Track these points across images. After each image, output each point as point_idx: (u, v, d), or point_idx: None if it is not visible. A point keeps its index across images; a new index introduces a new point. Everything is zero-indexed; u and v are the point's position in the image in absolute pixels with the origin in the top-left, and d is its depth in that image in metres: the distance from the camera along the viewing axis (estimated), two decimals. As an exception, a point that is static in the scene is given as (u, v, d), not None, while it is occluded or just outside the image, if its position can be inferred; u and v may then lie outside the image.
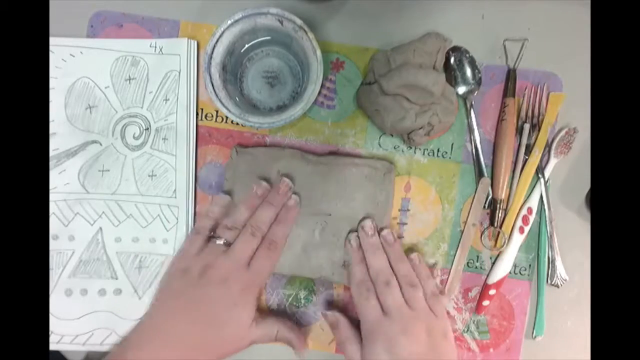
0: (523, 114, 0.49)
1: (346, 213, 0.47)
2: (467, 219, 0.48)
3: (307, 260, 0.46)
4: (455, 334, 0.48)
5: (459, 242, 0.48)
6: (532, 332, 0.48)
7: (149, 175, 0.48)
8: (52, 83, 0.48)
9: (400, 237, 0.49)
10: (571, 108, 0.48)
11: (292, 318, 0.48)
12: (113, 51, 0.48)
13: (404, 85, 0.44)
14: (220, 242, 0.44)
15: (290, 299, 0.49)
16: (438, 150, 0.49)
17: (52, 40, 0.48)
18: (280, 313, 0.48)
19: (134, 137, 0.48)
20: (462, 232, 0.49)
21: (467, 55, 0.48)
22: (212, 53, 0.44)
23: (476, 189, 0.48)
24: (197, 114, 0.49)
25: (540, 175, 0.48)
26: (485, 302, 0.48)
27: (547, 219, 0.48)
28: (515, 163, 0.48)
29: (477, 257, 0.49)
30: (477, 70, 0.48)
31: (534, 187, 0.49)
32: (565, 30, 0.49)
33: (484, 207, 0.48)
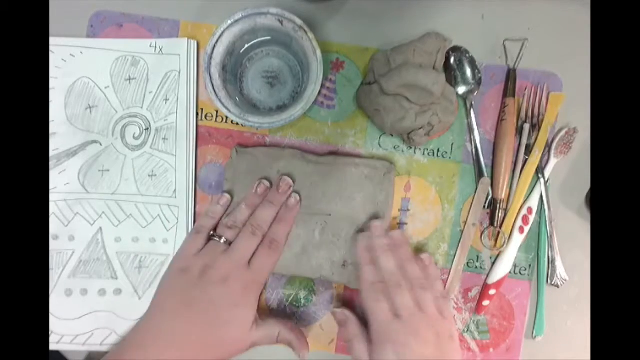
0: (523, 114, 0.49)
1: (346, 213, 0.47)
2: (467, 219, 0.48)
3: (307, 260, 0.46)
4: (455, 334, 0.48)
5: (459, 242, 0.48)
6: (532, 332, 0.48)
7: (149, 175, 0.48)
8: (52, 83, 0.48)
9: (400, 237, 0.49)
10: (571, 108, 0.48)
11: (292, 318, 0.48)
12: (113, 51, 0.48)
13: (404, 85, 0.44)
14: (221, 241, 0.44)
15: (290, 299, 0.49)
16: (438, 150, 0.49)
17: (52, 40, 0.48)
18: (280, 314, 0.48)
19: (134, 137, 0.48)
20: (462, 232, 0.49)
21: (467, 55, 0.48)
22: (212, 53, 0.44)
23: (476, 189, 0.48)
24: (197, 114, 0.49)
25: (540, 175, 0.48)
26: (485, 302, 0.48)
27: (547, 219, 0.48)
28: (515, 163, 0.48)
29: (477, 257, 0.49)
30: (477, 70, 0.48)
31: (534, 187, 0.49)
32: (565, 30, 0.49)
33: (484, 207, 0.49)
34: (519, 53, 0.48)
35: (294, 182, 0.47)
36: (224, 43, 0.44)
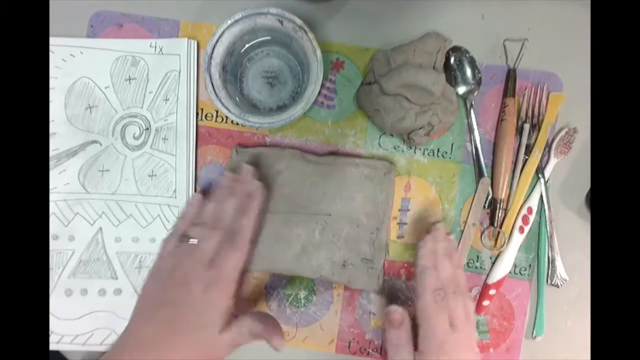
0: (523, 114, 0.49)
1: (346, 213, 0.47)
2: (467, 219, 0.48)
3: (307, 260, 0.46)
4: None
5: (459, 242, 0.48)
6: (532, 332, 0.48)
7: (149, 175, 0.48)
8: (52, 83, 0.48)
9: (400, 237, 0.49)
10: (571, 108, 0.48)
11: (292, 318, 0.48)
12: (113, 51, 0.48)
13: (404, 85, 0.44)
14: (191, 241, 0.42)
15: (290, 299, 0.49)
16: (438, 150, 0.49)
17: (52, 40, 0.48)
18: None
19: (134, 137, 0.48)
20: (462, 232, 0.49)
21: (467, 55, 0.48)
22: (212, 53, 0.44)
23: (476, 189, 0.48)
24: (197, 114, 0.49)
25: (540, 175, 0.48)
26: (485, 302, 0.48)
27: (547, 219, 0.48)
28: (515, 163, 0.48)
29: (477, 257, 0.49)
30: (477, 70, 0.48)
31: (534, 187, 0.49)
32: (565, 30, 0.49)
33: (484, 207, 0.48)
34: (519, 53, 0.48)
35: (294, 182, 0.47)
36: (224, 43, 0.44)
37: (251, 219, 0.43)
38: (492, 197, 0.48)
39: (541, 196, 0.48)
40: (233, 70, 0.47)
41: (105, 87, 0.48)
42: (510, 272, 0.48)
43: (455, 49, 0.48)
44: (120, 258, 0.48)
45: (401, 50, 0.46)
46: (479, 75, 0.48)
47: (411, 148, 0.49)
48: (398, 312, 0.42)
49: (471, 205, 0.48)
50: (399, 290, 0.48)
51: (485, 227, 0.49)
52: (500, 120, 0.48)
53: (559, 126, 0.49)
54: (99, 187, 0.48)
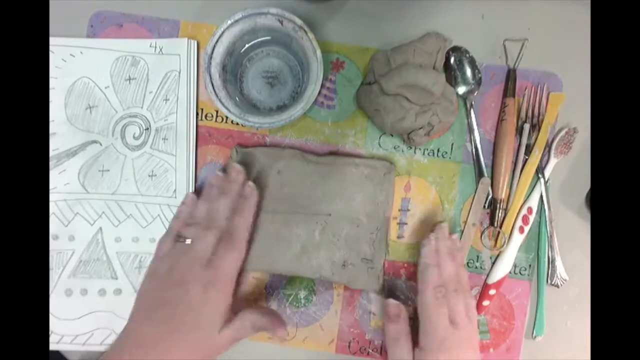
0: (523, 114, 0.49)
1: (346, 213, 0.47)
2: (467, 219, 0.48)
3: (307, 260, 0.46)
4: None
5: (459, 242, 0.48)
6: (532, 332, 0.48)
7: (149, 175, 0.48)
8: (52, 83, 0.48)
9: (400, 237, 0.49)
10: (571, 108, 0.48)
11: (292, 318, 0.48)
12: (113, 51, 0.48)
13: (404, 85, 0.44)
14: (187, 241, 0.42)
15: (290, 299, 0.49)
16: (438, 150, 0.49)
17: (52, 40, 0.48)
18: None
19: (134, 137, 0.48)
20: (462, 232, 0.49)
21: (467, 55, 0.48)
22: (212, 53, 0.44)
23: (476, 189, 0.48)
24: (197, 114, 0.49)
25: (540, 175, 0.48)
26: (485, 302, 0.48)
27: (547, 219, 0.48)
28: (515, 163, 0.48)
29: (477, 257, 0.49)
30: (477, 70, 0.48)
31: (534, 187, 0.49)
32: (565, 30, 0.49)
33: (484, 207, 0.48)
34: (519, 53, 0.48)
35: (294, 182, 0.47)
36: (224, 43, 0.44)
37: (246, 219, 0.44)
38: (492, 197, 0.48)
39: (541, 196, 0.48)
40: (233, 70, 0.47)
41: (105, 87, 0.48)
42: (510, 272, 0.48)
43: (455, 49, 0.48)
44: (120, 258, 0.48)
45: (401, 50, 0.46)
46: (479, 75, 0.48)
47: (411, 148, 0.49)
48: (394, 305, 0.43)
49: (471, 205, 0.48)
50: (399, 290, 0.48)
51: (485, 227, 0.49)
52: (500, 120, 0.48)
53: (559, 126, 0.49)
54: (99, 187, 0.48)
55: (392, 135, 0.49)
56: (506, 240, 0.48)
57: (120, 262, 0.48)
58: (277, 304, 0.49)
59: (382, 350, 0.48)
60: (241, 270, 0.44)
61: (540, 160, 0.48)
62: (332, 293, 0.49)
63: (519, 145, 0.48)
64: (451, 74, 0.48)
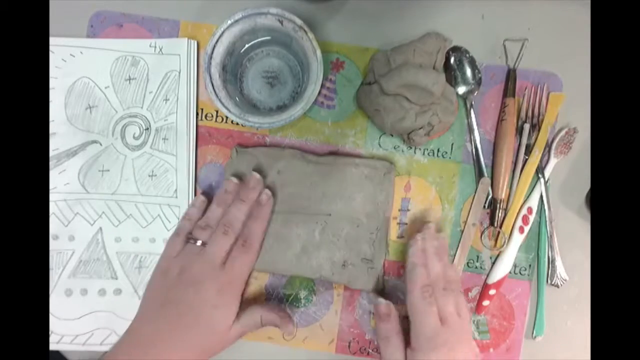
0: (523, 114, 0.49)
1: (346, 213, 0.47)
2: (467, 219, 0.48)
3: (307, 260, 0.46)
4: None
5: (459, 242, 0.48)
6: (532, 332, 0.48)
7: (149, 175, 0.48)
8: (52, 83, 0.48)
9: (400, 237, 0.49)
10: (571, 108, 0.48)
11: (292, 317, 0.48)
12: (113, 51, 0.48)
13: (404, 85, 0.44)
14: (198, 243, 0.43)
15: (290, 299, 0.49)
16: (438, 150, 0.49)
17: (52, 40, 0.48)
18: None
19: (134, 137, 0.48)
20: (462, 232, 0.49)
21: (467, 55, 0.48)
22: (212, 53, 0.44)
23: (476, 189, 0.48)
24: (197, 114, 0.49)
25: (540, 175, 0.48)
26: (485, 302, 0.48)
27: (547, 219, 0.48)
28: (515, 163, 0.48)
29: (477, 257, 0.49)
30: (477, 70, 0.48)
31: (534, 187, 0.49)
32: (565, 30, 0.49)
33: (484, 207, 0.48)
34: (519, 53, 0.48)
35: (294, 182, 0.47)
36: (224, 43, 0.44)
37: (262, 225, 0.45)
38: (492, 197, 0.48)
39: (541, 196, 0.48)
40: (233, 70, 0.47)
41: (105, 87, 0.48)
42: (510, 272, 0.48)
43: (455, 49, 0.48)
44: (120, 258, 0.48)
45: (401, 50, 0.46)
46: (479, 75, 0.48)
47: (411, 148, 0.49)
48: (384, 305, 0.43)
49: (471, 205, 0.48)
50: (399, 290, 0.48)
51: (485, 227, 0.49)
52: (500, 120, 0.48)
53: (559, 126, 0.49)
54: (99, 187, 0.48)
55: (392, 135, 0.49)
56: (506, 240, 0.48)
57: (120, 262, 0.48)
58: (277, 304, 0.48)
59: (382, 350, 0.48)
60: (250, 273, 0.46)
61: (540, 160, 0.48)
62: (332, 293, 0.49)
63: (519, 145, 0.48)
64: (451, 74, 0.48)
